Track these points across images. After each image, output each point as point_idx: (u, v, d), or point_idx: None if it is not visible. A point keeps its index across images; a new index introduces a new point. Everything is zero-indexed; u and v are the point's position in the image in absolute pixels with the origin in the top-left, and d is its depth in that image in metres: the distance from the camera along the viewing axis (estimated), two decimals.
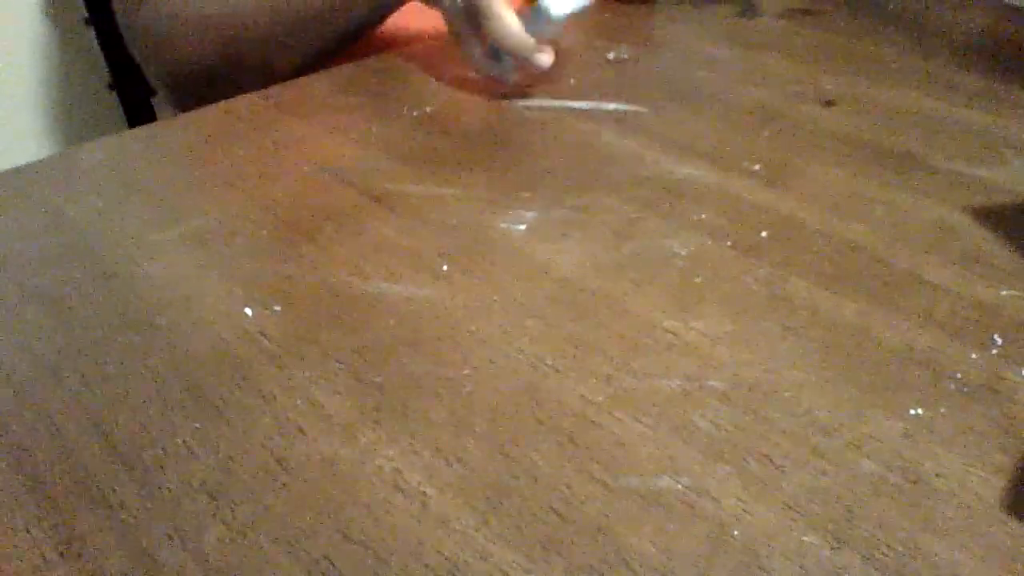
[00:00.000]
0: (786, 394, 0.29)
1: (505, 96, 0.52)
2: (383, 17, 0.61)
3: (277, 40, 0.59)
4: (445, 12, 0.54)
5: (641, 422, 0.28)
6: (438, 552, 0.24)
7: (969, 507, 0.25)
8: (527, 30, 0.49)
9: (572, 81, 0.54)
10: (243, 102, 0.52)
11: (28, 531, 0.25)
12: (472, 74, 0.54)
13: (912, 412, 0.29)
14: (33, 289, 0.35)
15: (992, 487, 0.26)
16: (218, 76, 0.60)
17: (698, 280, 0.35)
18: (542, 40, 0.50)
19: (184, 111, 0.52)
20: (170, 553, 0.24)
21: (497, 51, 0.51)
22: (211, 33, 0.59)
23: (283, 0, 0.58)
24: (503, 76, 0.53)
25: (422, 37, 0.64)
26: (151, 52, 0.61)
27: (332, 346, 0.32)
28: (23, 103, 0.96)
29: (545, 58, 0.50)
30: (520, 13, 0.50)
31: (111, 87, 0.98)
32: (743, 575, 0.23)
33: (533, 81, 0.53)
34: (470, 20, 0.51)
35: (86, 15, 0.94)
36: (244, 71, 0.59)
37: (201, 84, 0.60)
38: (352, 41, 0.62)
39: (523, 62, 0.50)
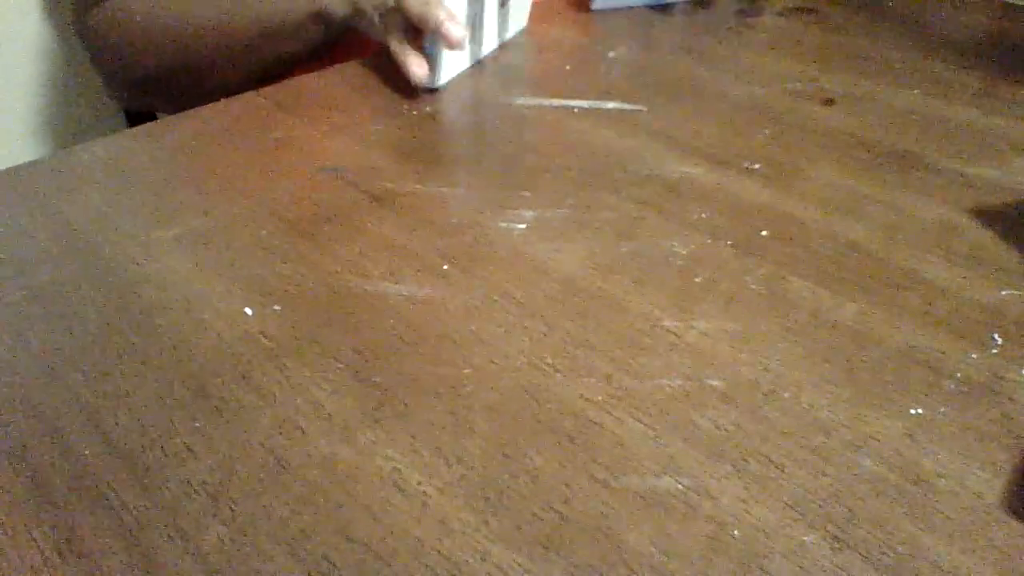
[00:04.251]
0: (786, 394, 0.29)
1: (506, 93, 0.52)
2: (327, 43, 0.62)
3: (225, 56, 0.60)
4: (376, 28, 0.55)
5: (641, 422, 0.28)
6: (438, 552, 0.24)
7: (969, 507, 0.25)
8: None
9: (572, 81, 0.54)
10: (243, 102, 0.52)
11: (28, 531, 0.25)
12: (409, 81, 0.53)
13: (912, 412, 0.29)
14: (33, 289, 0.35)
15: (992, 487, 0.26)
16: (166, 83, 0.62)
17: (698, 280, 0.35)
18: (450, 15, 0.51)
19: (133, 111, 0.54)
20: (170, 553, 0.24)
21: (431, 51, 0.52)
22: (162, 41, 0.60)
23: (235, 17, 0.59)
24: (434, 71, 0.53)
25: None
26: (101, 54, 0.62)
27: (332, 346, 0.32)
28: (23, 103, 0.96)
29: (455, 28, 0.50)
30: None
31: None
32: (743, 575, 0.23)
33: (541, 73, 0.54)
34: (397, 21, 0.53)
35: None
36: (191, 81, 0.61)
37: (148, 89, 0.62)
38: (303, 61, 0.62)
39: (437, 35, 0.51)
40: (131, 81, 0.62)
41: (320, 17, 0.59)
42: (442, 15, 0.50)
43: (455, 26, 0.50)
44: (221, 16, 0.59)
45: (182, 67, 0.60)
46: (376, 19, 0.56)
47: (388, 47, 0.54)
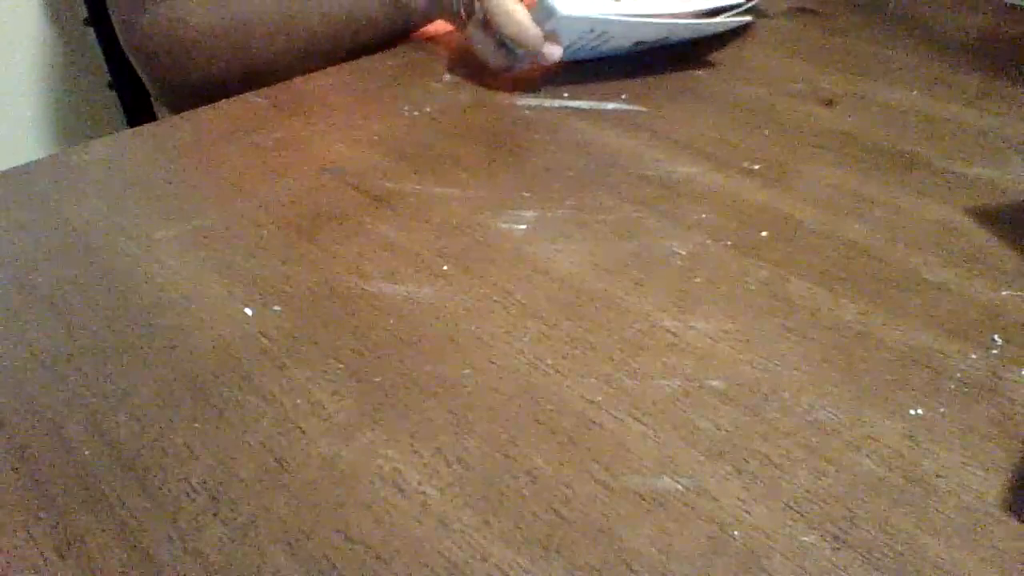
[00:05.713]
0: (786, 394, 0.29)
1: (506, 93, 0.52)
2: (405, 33, 0.61)
3: (291, 55, 0.58)
4: (456, 17, 0.54)
5: (641, 422, 0.28)
6: (438, 552, 0.24)
7: (969, 507, 0.25)
8: (536, 22, 0.50)
9: (572, 81, 0.54)
10: (243, 102, 0.52)
11: (28, 531, 0.25)
12: (485, 65, 0.54)
13: (912, 412, 0.29)
14: (33, 289, 0.35)
15: (992, 487, 0.26)
16: (223, 88, 0.59)
17: (698, 280, 0.35)
18: (551, 36, 0.50)
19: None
20: (170, 553, 0.24)
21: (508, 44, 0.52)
22: (220, 44, 0.58)
23: (300, 14, 0.57)
24: (514, 65, 0.53)
25: (428, 34, 0.64)
26: (153, 61, 0.59)
27: (332, 346, 0.32)
28: (23, 103, 0.96)
29: (553, 51, 0.51)
30: (529, 7, 0.51)
31: (111, 87, 0.98)
32: (743, 575, 0.23)
33: (541, 72, 0.54)
34: (482, 21, 0.52)
35: (86, 15, 0.94)
36: (254, 84, 0.58)
37: (204, 96, 0.60)
38: (365, 54, 0.61)
39: (532, 55, 0.51)
40: (187, 87, 0.59)
41: (400, 10, 0.58)
42: (538, 39, 0.50)
43: (553, 49, 0.51)
44: (287, 16, 0.57)
45: (244, 71, 0.58)
46: (456, 7, 0.54)
47: (467, 35, 0.54)
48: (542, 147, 0.46)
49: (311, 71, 0.56)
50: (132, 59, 0.61)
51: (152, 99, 0.65)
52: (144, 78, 0.62)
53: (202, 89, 0.59)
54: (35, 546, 0.25)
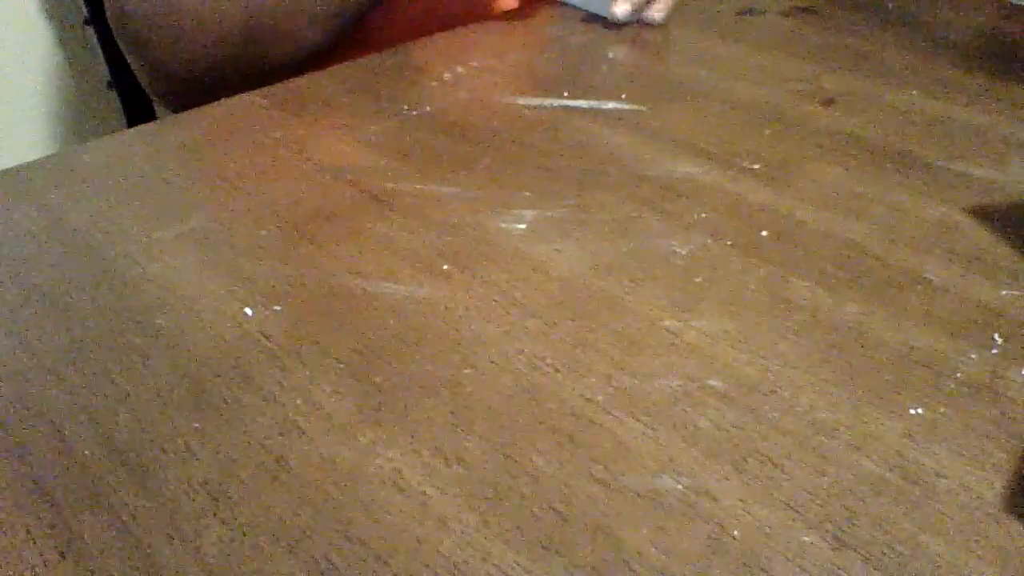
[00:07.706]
0: (786, 394, 0.29)
1: (506, 93, 0.52)
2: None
3: (294, 39, 0.58)
4: None
5: (641, 422, 0.28)
6: (438, 552, 0.24)
7: (969, 507, 0.25)
8: None
9: (572, 81, 0.54)
10: (243, 102, 0.52)
11: (28, 531, 0.25)
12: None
13: (912, 412, 0.29)
14: (33, 289, 0.35)
15: (992, 487, 0.26)
16: (216, 77, 0.59)
17: (698, 280, 0.35)
18: None
19: (176, 108, 0.52)
20: (170, 553, 0.24)
21: None
22: (220, 29, 0.56)
23: (293, 7, 0.57)
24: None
25: (428, 27, 0.64)
26: (144, 45, 0.58)
27: (332, 346, 0.32)
28: (23, 103, 0.96)
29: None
30: None
31: (111, 87, 0.98)
32: (743, 575, 0.23)
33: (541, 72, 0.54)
34: None
35: (86, 15, 0.94)
36: (253, 70, 0.57)
37: (196, 85, 0.59)
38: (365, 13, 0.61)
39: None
40: (182, 74, 0.58)
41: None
42: None
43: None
44: (278, 7, 0.56)
45: (244, 56, 0.57)
46: None
47: None
48: (542, 147, 0.46)
49: (309, 65, 0.56)
50: (122, 45, 0.60)
51: (144, 88, 0.63)
52: (134, 65, 0.61)
53: (195, 78, 0.58)
54: (35, 546, 0.25)
